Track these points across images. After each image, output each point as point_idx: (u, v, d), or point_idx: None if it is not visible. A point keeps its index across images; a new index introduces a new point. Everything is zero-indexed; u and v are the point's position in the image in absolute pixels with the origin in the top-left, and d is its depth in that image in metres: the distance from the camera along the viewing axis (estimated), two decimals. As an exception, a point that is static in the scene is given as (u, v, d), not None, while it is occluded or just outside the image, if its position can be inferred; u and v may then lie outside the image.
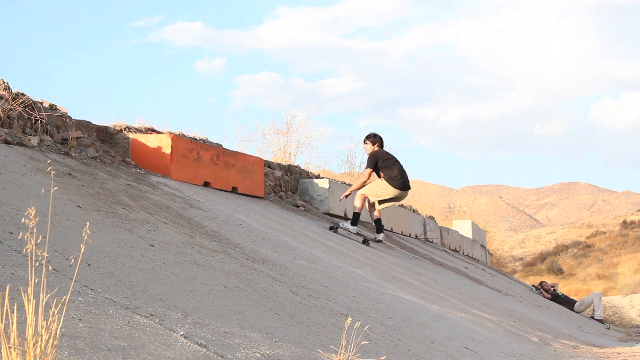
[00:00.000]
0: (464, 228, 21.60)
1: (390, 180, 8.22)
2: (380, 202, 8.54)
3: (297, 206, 10.04)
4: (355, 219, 8.48)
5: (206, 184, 7.70)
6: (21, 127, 5.71)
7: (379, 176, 8.46)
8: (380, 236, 8.81)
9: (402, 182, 8.27)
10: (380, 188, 8.34)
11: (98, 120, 7.27)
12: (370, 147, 8.43)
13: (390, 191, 8.30)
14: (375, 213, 8.69)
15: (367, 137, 8.54)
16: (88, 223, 2.06)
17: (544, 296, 13.94)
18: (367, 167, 8.37)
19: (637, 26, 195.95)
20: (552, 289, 14.18)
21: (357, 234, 8.48)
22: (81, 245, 1.88)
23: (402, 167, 8.36)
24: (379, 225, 8.78)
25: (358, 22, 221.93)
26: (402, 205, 16.85)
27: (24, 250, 1.82)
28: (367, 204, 8.65)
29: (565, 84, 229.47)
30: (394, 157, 8.39)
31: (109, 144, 7.09)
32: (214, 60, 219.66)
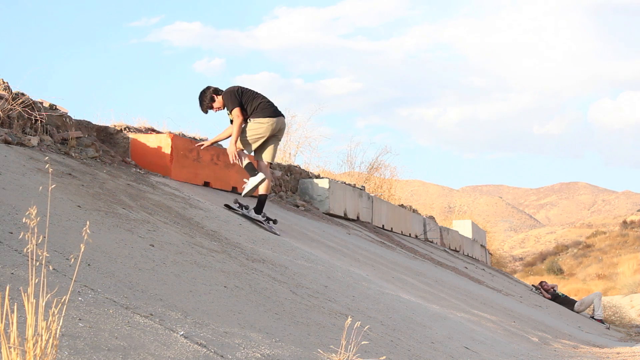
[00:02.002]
0: (464, 228, 21.62)
1: (259, 112, 6.26)
2: (257, 148, 6.43)
3: (297, 206, 10.04)
4: (252, 168, 6.39)
5: (206, 184, 7.70)
6: (21, 127, 5.71)
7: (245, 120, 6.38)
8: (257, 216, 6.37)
9: (275, 109, 6.36)
10: (253, 129, 6.26)
11: (98, 120, 7.28)
12: (220, 100, 6.34)
13: (269, 125, 6.25)
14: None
15: (208, 94, 6.36)
16: (88, 223, 2.06)
17: (544, 296, 13.94)
18: (232, 107, 6.21)
19: (635, 26, 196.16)
20: (552, 289, 14.19)
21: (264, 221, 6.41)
22: (81, 245, 1.88)
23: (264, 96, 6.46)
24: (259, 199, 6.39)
25: (357, 22, 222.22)
26: (402, 205, 16.86)
27: (24, 250, 1.82)
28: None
29: (564, 84, 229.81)
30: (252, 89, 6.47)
31: (109, 144, 7.09)
32: (213, 60, 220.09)
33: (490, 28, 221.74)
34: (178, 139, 7.36)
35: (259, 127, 6.26)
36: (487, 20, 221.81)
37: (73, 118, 6.58)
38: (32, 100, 5.91)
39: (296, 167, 11.48)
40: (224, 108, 6.36)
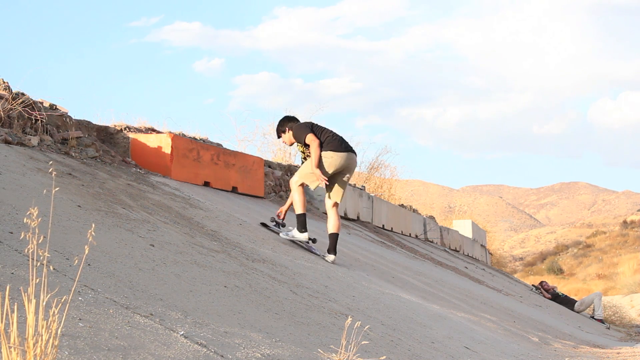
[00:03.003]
0: (464, 228, 21.64)
1: (324, 146, 5.83)
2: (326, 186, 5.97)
3: (297, 206, 10.04)
4: (303, 221, 5.90)
5: (206, 184, 7.70)
6: (21, 126, 5.72)
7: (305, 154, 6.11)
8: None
9: (343, 144, 5.92)
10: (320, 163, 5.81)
11: (98, 120, 7.29)
12: (289, 135, 6.07)
13: (333, 159, 5.80)
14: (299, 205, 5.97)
15: (284, 125, 6.10)
16: (93, 225, 2.07)
17: (544, 296, 13.95)
18: (305, 135, 5.85)
19: (635, 26, 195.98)
20: (552, 289, 14.20)
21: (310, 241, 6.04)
22: (85, 247, 1.88)
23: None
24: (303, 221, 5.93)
25: (357, 22, 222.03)
26: (402, 205, 16.86)
27: (25, 250, 1.82)
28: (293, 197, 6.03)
29: (564, 83, 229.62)
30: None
31: (109, 144, 7.09)
32: (213, 60, 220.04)
33: (490, 28, 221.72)
34: (178, 139, 7.36)
35: (327, 160, 5.78)
36: (486, 20, 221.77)
37: (73, 118, 6.59)
38: (32, 100, 5.91)
39: (296, 167, 11.48)
40: (290, 145, 6.19)
